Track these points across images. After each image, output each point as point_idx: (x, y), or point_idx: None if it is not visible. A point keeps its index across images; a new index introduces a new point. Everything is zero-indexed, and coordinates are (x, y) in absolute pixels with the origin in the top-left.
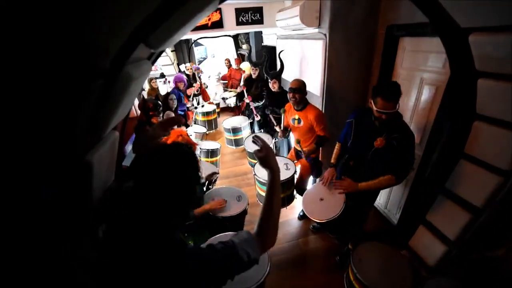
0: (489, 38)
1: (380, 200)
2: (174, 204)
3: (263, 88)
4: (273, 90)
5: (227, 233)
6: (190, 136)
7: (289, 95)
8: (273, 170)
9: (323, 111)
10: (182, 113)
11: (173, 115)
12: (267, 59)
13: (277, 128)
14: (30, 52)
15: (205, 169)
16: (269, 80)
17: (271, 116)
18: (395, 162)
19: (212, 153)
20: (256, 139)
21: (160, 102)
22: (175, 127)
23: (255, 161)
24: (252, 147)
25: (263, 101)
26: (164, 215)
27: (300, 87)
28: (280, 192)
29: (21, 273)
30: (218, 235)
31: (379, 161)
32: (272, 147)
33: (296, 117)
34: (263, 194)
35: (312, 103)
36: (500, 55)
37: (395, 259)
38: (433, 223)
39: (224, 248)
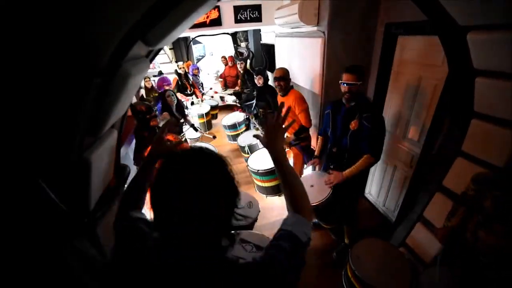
0: (487, 37)
1: (378, 197)
2: (221, 220)
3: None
4: (258, 85)
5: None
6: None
7: (275, 84)
8: (276, 153)
9: (322, 109)
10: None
11: (168, 117)
12: (253, 56)
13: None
14: (28, 52)
15: None
16: (255, 76)
17: (260, 111)
18: (369, 140)
19: None
20: (256, 137)
21: (149, 104)
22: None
23: (247, 155)
24: (243, 141)
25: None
26: (213, 234)
27: (284, 75)
28: (292, 170)
29: (20, 272)
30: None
31: (357, 143)
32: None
33: (282, 102)
34: (260, 184)
35: (310, 100)
36: (498, 53)
37: (393, 256)
38: (430, 221)
39: (288, 240)
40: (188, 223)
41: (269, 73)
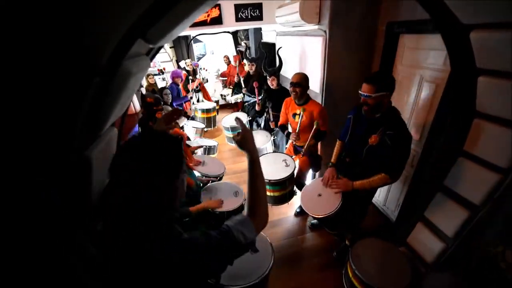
0: (491, 35)
1: (379, 197)
2: (158, 198)
3: (263, 85)
4: (272, 87)
5: None
6: (189, 131)
7: (290, 89)
8: (250, 152)
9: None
10: (180, 108)
11: (169, 109)
12: (266, 56)
13: (271, 125)
14: (27, 51)
15: (215, 165)
16: (268, 77)
17: (270, 113)
18: (389, 160)
19: (209, 150)
20: (236, 121)
21: (158, 96)
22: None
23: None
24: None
25: (261, 95)
26: (148, 210)
27: (301, 81)
28: (262, 173)
29: (21, 271)
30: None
31: (373, 159)
32: (271, 144)
33: (298, 112)
34: (268, 194)
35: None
36: (502, 52)
37: (393, 255)
38: (431, 220)
39: (219, 233)
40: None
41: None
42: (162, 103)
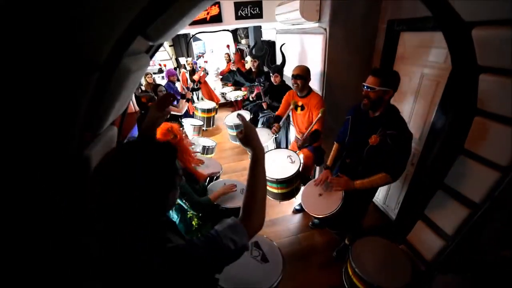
0: (493, 32)
1: (379, 195)
2: (148, 207)
3: (265, 81)
4: (274, 84)
5: None
6: (187, 128)
7: (292, 81)
8: (255, 149)
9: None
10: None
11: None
12: (269, 52)
13: (264, 105)
14: (23, 47)
15: (211, 165)
16: (271, 74)
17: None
18: (390, 160)
19: (207, 150)
20: (239, 117)
21: (151, 94)
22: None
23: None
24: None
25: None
26: (129, 217)
27: (302, 73)
28: (264, 173)
29: (22, 270)
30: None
31: (374, 159)
32: (273, 141)
33: (300, 103)
34: (275, 191)
35: None
36: (504, 50)
37: (393, 253)
38: (431, 218)
39: (205, 241)
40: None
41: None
42: (156, 99)
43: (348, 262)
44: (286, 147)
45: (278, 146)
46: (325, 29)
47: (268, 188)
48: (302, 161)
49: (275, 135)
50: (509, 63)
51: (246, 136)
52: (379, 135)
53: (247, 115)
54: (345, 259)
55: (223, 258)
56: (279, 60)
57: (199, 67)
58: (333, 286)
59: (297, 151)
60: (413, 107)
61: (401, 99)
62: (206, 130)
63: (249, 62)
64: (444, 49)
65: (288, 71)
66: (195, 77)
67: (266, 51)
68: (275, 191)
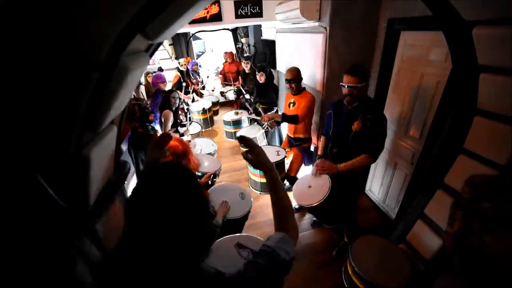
0: (494, 32)
1: (379, 194)
2: (189, 240)
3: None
4: (260, 82)
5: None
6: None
7: (287, 85)
8: (271, 170)
9: (323, 105)
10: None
11: (171, 114)
12: (255, 52)
13: (252, 116)
14: (23, 47)
15: (210, 163)
16: (256, 73)
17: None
18: (369, 141)
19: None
20: (242, 140)
21: (141, 103)
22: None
23: (245, 149)
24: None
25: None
26: (180, 254)
27: (294, 76)
28: (281, 185)
29: (21, 270)
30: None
31: (358, 145)
32: (263, 136)
33: (292, 100)
34: (257, 180)
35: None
36: (504, 49)
37: (393, 253)
38: (431, 218)
39: (266, 258)
40: (157, 236)
41: (272, 70)
42: (150, 108)
43: (347, 261)
44: (280, 141)
45: (269, 141)
46: (325, 28)
47: (251, 176)
48: (287, 155)
49: (266, 129)
50: (510, 62)
51: (257, 157)
52: (360, 120)
53: (254, 130)
54: (345, 258)
55: (283, 270)
56: (279, 60)
57: (198, 76)
58: (333, 286)
59: (287, 149)
60: (413, 107)
61: (401, 98)
62: (204, 131)
63: (243, 65)
64: (445, 48)
65: (284, 70)
66: (188, 95)
67: (254, 51)
68: (258, 179)
